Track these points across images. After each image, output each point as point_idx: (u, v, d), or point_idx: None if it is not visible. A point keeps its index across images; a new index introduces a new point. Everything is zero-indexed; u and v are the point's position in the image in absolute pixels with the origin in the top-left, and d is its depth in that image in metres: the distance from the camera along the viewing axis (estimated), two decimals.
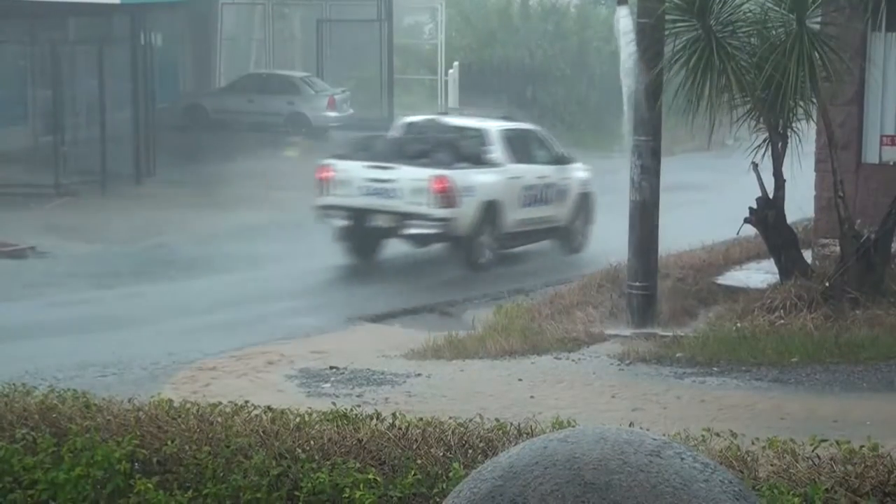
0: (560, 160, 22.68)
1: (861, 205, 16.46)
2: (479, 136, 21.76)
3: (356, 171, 20.81)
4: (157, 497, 6.56)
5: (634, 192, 16.09)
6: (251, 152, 34.07)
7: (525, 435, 6.39)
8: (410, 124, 22.60)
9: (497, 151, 21.41)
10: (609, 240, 18.54)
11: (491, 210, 20.76)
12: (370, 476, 6.18)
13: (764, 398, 12.66)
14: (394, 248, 21.43)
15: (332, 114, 38.45)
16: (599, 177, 23.71)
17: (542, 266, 21.30)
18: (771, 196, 16.08)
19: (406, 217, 20.28)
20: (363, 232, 20.85)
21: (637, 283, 16.03)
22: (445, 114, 23.65)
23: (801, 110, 15.99)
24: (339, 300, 18.85)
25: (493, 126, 22.21)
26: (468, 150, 21.21)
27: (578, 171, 23.07)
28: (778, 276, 16.32)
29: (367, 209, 20.50)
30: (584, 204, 22.78)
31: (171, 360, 14.76)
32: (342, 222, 20.76)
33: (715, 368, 13.77)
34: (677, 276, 17.51)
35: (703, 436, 6.27)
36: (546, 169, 22.23)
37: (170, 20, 37.98)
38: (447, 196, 20.35)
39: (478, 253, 20.81)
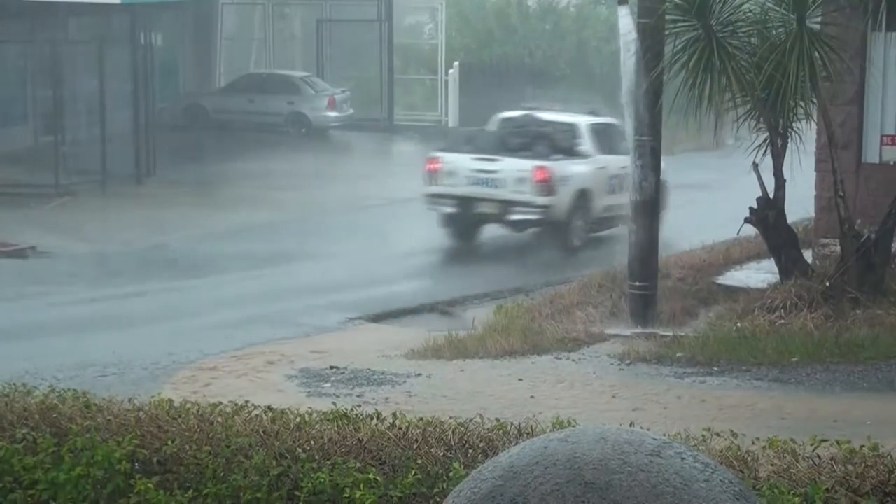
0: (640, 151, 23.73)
1: (861, 204, 16.46)
2: (571, 129, 23.46)
3: (462, 162, 22.64)
4: (158, 497, 6.56)
5: (635, 192, 16.10)
6: (251, 152, 34.09)
7: (525, 435, 6.39)
8: (506, 119, 24.26)
9: (586, 144, 23.14)
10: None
11: (583, 197, 22.55)
12: (370, 476, 6.18)
13: (764, 398, 12.66)
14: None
15: (333, 114, 38.47)
16: None
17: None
18: (771, 196, 16.08)
19: (510, 204, 22.13)
20: (468, 218, 22.55)
21: (637, 283, 16.03)
22: (536, 110, 24.51)
23: (801, 110, 15.99)
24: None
25: (583, 120, 23.79)
26: (562, 143, 23.04)
27: None
28: (778, 276, 16.32)
29: (473, 197, 22.27)
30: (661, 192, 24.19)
31: (170, 359, 14.76)
32: (449, 209, 22.51)
33: (715, 368, 13.77)
34: (677, 276, 17.52)
35: (703, 436, 6.27)
36: (627, 159, 22.85)
37: (170, 20, 38.00)
38: (547, 185, 22.15)
39: (572, 237, 22.57)
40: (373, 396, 12.69)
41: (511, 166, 22.24)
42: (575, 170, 22.61)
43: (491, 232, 23.21)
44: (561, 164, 22.45)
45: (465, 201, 22.31)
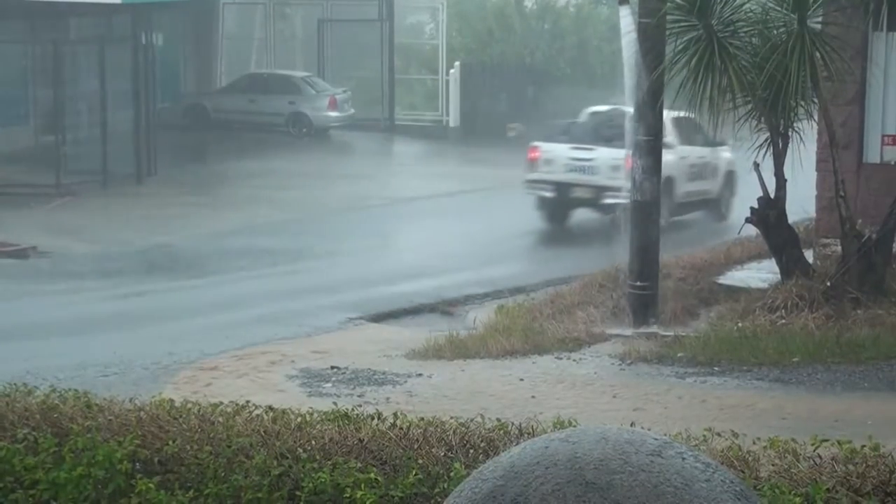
0: (712, 143, 24.77)
1: (862, 204, 16.46)
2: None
3: (560, 151, 24.56)
4: (159, 497, 6.56)
5: (636, 192, 16.10)
6: (252, 152, 34.09)
7: (526, 435, 6.39)
8: (595, 112, 25.76)
9: (670, 135, 23.93)
10: None
11: (667, 184, 23.55)
12: (371, 476, 6.18)
13: (765, 398, 12.66)
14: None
15: (334, 114, 38.48)
16: None
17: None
18: (772, 196, 16.08)
19: (604, 190, 23.64)
20: (564, 202, 24.66)
21: (638, 283, 16.03)
22: (623, 104, 25.77)
23: (802, 110, 15.98)
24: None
25: (666, 114, 24.92)
26: None
27: (726, 152, 25.64)
28: (779, 276, 16.32)
29: (570, 183, 24.29)
30: (730, 180, 25.83)
31: (171, 359, 14.75)
32: (547, 194, 24.55)
33: (716, 368, 13.76)
34: (678, 276, 17.51)
35: (704, 436, 6.27)
36: (703, 150, 25.27)
37: (171, 20, 38.00)
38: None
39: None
40: (374, 396, 12.69)
41: (605, 155, 23.80)
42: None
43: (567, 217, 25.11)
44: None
45: (562, 187, 24.33)
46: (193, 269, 21.18)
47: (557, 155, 24.62)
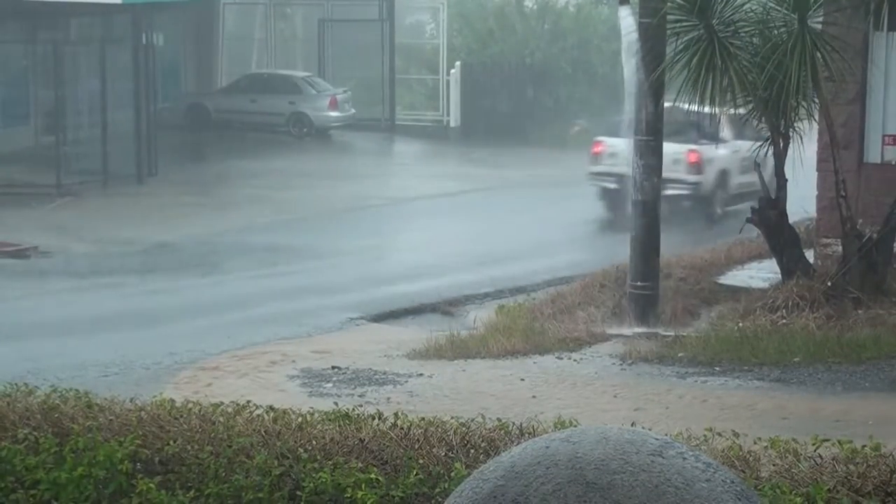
0: (759, 137, 25.53)
1: (863, 204, 16.45)
2: (713, 118, 26.13)
3: (623, 145, 24.78)
4: (160, 497, 6.56)
5: (636, 192, 16.09)
6: (253, 152, 34.10)
7: (527, 435, 6.39)
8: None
9: (724, 130, 25.34)
10: None
11: (723, 176, 26.10)
12: (372, 476, 6.18)
13: (766, 398, 12.66)
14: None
15: (334, 114, 38.48)
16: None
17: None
18: (773, 196, 16.08)
19: (665, 181, 24.47)
20: (626, 193, 25.21)
21: (639, 283, 16.03)
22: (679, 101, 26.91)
23: (802, 110, 15.98)
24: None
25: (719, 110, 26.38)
26: (706, 130, 25.18)
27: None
28: (780, 276, 16.32)
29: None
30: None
31: (172, 359, 14.76)
32: (611, 185, 25.58)
33: (717, 368, 13.76)
34: (679, 276, 17.51)
35: (705, 436, 6.26)
36: (753, 145, 26.16)
37: (172, 20, 37.99)
38: (698, 165, 25.80)
39: (714, 209, 26.19)
40: (374, 396, 12.69)
41: (667, 149, 24.70)
42: (717, 153, 25.54)
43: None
44: (707, 147, 25.38)
45: (624, 178, 25.03)
46: (194, 269, 21.18)
47: (620, 149, 25.20)
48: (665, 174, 24.90)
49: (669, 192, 24.21)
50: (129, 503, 6.66)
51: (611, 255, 20.23)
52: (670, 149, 24.75)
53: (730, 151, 25.69)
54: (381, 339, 16.17)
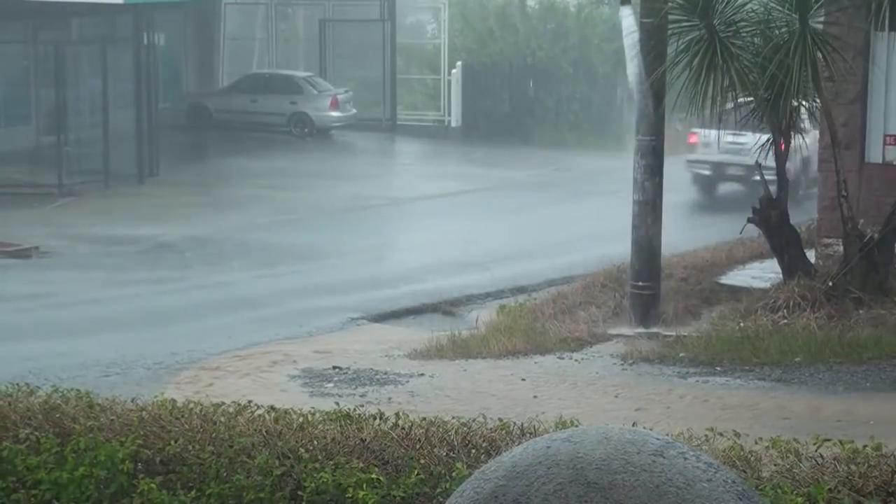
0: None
1: (864, 204, 16.45)
2: (795, 110, 27.30)
3: (716, 135, 27.57)
4: (161, 497, 6.56)
5: (637, 192, 16.08)
6: (254, 152, 34.10)
7: (528, 435, 6.39)
8: (741, 103, 28.46)
9: (805, 121, 25.61)
10: None
11: (805, 164, 26.93)
12: (373, 476, 6.18)
13: (767, 398, 12.65)
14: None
15: (335, 114, 38.48)
16: (604, 175, 23.86)
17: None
18: (774, 195, 16.07)
19: (753, 169, 25.67)
20: (718, 179, 28.63)
21: (640, 283, 16.02)
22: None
23: (804, 110, 15.97)
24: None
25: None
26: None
27: None
28: (781, 276, 16.31)
29: (725, 163, 28.00)
30: None
31: (174, 359, 14.76)
32: (705, 172, 28.36)
33: (718, 368, 13.76)
34: (680, 276, 17.51)
35: (706, 435, 6.26)
36: None
37: (173, 20, 37.99)
38: (785, 154, 25.67)
39: (798, 193, 26.44)
40: (376, 396, 12.69)
41: (755, 140, 25.91)
42: (799, 142, 26.23)
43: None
44: (791, 136, 26.07)
45: (717, 166, 28.24)
46: (195, 269, 21.18)
47: (713, 139, 27.76)
48: (751, 162, 25.94)
49: (757, 178, 25.28)
50: (131, 503, 6.66)
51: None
52: (757, 139, 25.76)
53: (811, 140, 26.49)
54: (382, 339, 16.17)
